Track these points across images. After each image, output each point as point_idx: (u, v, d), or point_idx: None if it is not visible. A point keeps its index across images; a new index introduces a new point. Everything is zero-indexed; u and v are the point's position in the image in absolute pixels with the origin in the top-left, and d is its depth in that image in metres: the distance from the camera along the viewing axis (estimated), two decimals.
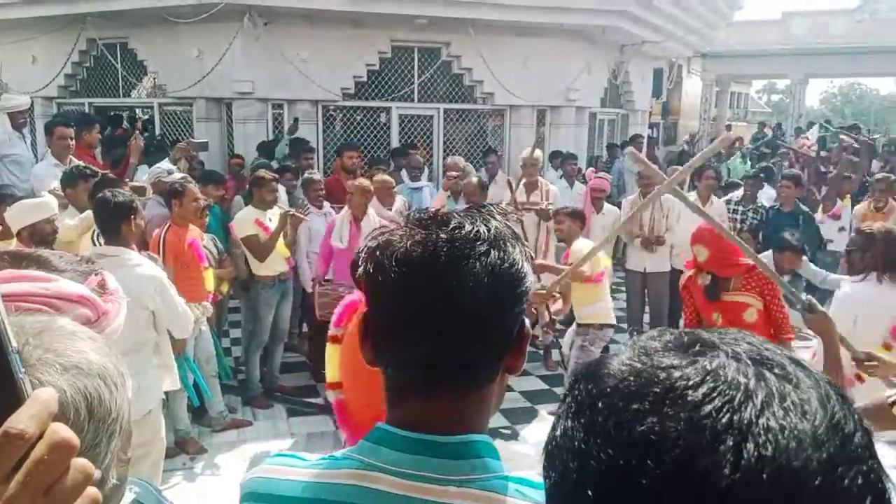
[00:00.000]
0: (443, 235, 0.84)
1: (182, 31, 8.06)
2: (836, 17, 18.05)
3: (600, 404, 0.52)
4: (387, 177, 6.20)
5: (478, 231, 0.85)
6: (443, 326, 0.83)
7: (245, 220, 5.22)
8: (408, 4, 7.78)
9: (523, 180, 6.36)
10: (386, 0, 7.66)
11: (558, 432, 0.55)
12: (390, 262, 0.85)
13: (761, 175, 7.39)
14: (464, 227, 0.86)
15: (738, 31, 17.24)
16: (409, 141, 8.95)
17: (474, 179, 6.18)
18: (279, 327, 5.49)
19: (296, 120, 8.27)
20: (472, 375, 0.86)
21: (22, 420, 0.50)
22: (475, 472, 0.83)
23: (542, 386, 5.84)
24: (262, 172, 5.46)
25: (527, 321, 0.92)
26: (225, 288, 5.25)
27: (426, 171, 8.30)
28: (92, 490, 0.55)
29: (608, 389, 0.52)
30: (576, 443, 0.52)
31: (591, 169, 8.70)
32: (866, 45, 17.19)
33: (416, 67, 9.13)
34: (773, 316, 3.76)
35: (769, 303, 3.76)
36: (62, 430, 0.52)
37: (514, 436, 5.03)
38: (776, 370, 0.50)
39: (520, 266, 0.87)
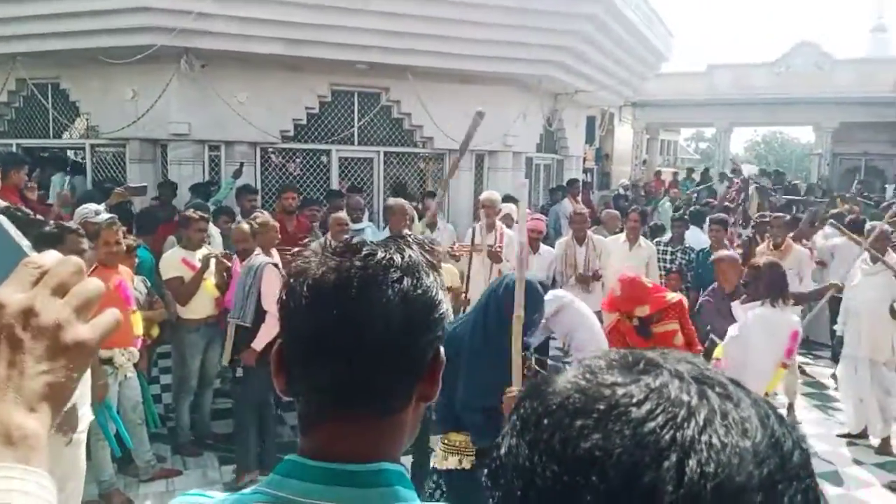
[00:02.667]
0: (356, 263, 0.85)
1: (116, 71, 7.94)
2: (758, 70, 19.05)
3: (546, 421, 0.52)
4: (342, 214, 6.24)
5: (391, 259, 0.86)
6: (352, 353, 0.83)
7: (171, 261, 5.12)
8: (346, 51, 7.87)
9: (482, 222, 6.45)
10: (324, 46, 7.72)
11: (503, 451, 0.54)
12: (302, 288, 0.85)
13: (686, 217, 7.69)
14: (377, 254, 0.87)
15: (665, 81, 18.03)
16: (353, 183, 8.99)
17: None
18: (208, 372, 5.34)
19: (241, 164, 8.22)
20: (383, 403, 0.86)
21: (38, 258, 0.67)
22: (386, 501, 0.82)
23: None
24: (189, 212, 5.41)
25: (441, 349, 0.92)
26: (155, 332, 5.09)
27: (366, 212, 8.35)
28: (113, 309, 0.68)
29: (553, 407, 0.52)
30: (520, 460, 0.51)
31: (526, 211, 8.88)
32: (785, 97, 18.20)
33: (356, 111, 9.21)
34: (688, 334, 4.25)
35: (684, 324, 4.25)
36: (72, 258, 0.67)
37: None
38: (717, 389, 0.51)
39: (433, 294, 0.88)
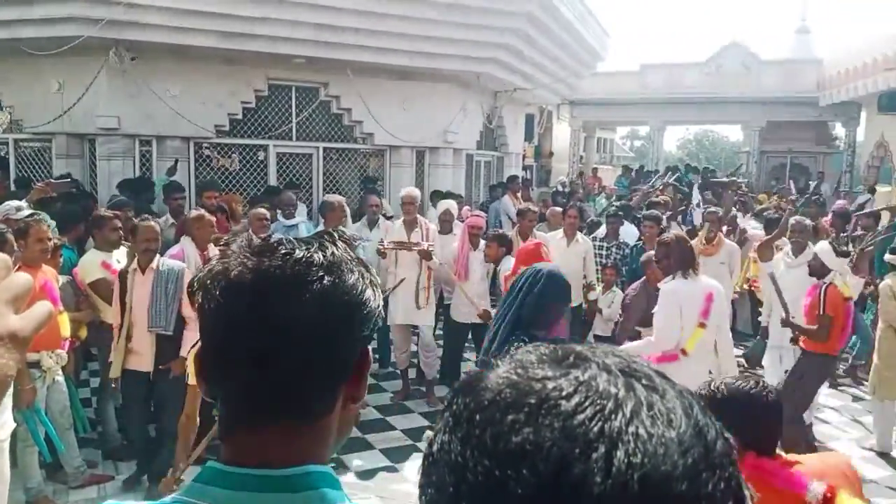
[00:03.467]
0: (275, 262, 0.83)
1: (42, 63, 7.61)
2: (689, 70, 19.64)
3: (478, 417, 0.52)
4: (262, 209, 6.14)
5: (312, 257, 0.84)
6: (269, 359, 0.81)
7: (90, 264, 4.89)
8: (283, 44, 7.76)
9: (402, 218, 6.47)
10: (261, 39, 7.59)
11: (435, 447, 0.55)
12: (218, 289, 0.83)
13: (620, 213, 7.90)
14: (295, 253, 0.84)
15: (601, 80, 18.41)
16: (290, 179, 8.87)
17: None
18: None
19: (176, 161, 8.00)
20: (304, 409, 0.83)
21: None
22: None
23: (424, 422, 5.85)
24: (102, 211, 5.17)
25: (369, 348, 0.89)
26: (83, 333, 4.91)
27: (304, 208, 8.25)
28: (45, 302, 0.68)
29: (485, 402, 0.52)
30: (453, 456, 0.52)
31: (466, 207, 8.94)
32: (715, 96, 18.83)
33: (293, 106, 9.09)
34: None
35: None
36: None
37: (395, 473, 4.99)
38: (644, 381, 0.52)
39: (358, 292, 0.86)
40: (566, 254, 6.58)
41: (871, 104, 15.59)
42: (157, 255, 4.61)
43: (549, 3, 9.20)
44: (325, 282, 0.83)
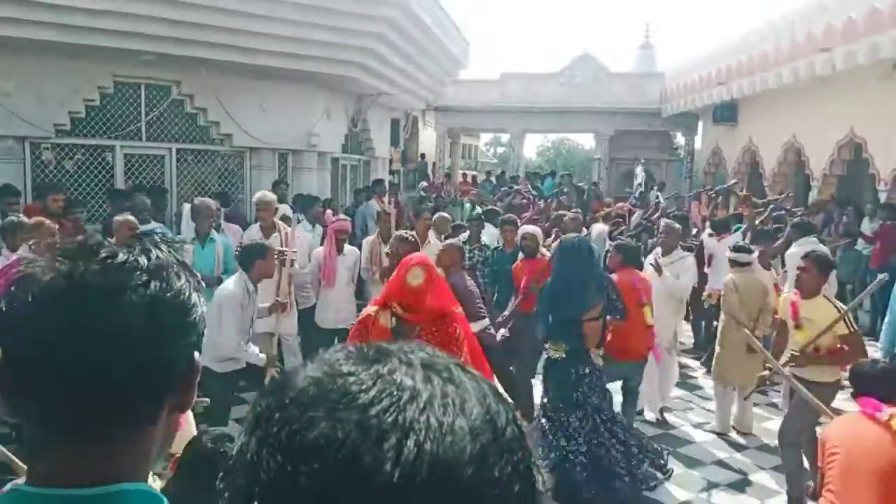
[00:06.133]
0: (93, 266, 0.77)
1: None
2: (545, 80, 20.51)
3: (277, 415, 0.52)
4: (129, 216, 5.74)
5: (135, 261, 0.80)
6: (88, 368, 0.74)
7: None
8: (129, 39, 7.28)
9: (259, 224, 6.29)
10: (104, 33, 7.07)
11: (235, 450, 0.54)
12: (26, 296, 0.75)
13: (482, 217, 8.14)
14: (117, 256, 0.79)
15: (464, 88, 18.85)
16: (137, 182, 8.36)
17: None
18: None
19: None
20: (124, 419, 0.78)
21: None
22: None
23: None
24: None
25: (196, 355, 0.85)
26: None
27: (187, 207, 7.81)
28: None
29: (287, 401, 0.52)
30: (249, 456, 0.51)
31: (329, 211, 8.84)
32: (568, 106, 19.81)
33: (143, 104, 8.59)
34: None
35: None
36: None
37: None
38: (443, 374, 0.54)
39: (186, 297, 0.82)
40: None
41: (706, 115, 17.03)
42: None
43: (410, 10, 9.30)
44: (151, 286, 0.78)
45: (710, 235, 8.07)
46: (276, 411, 0.52)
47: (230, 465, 0.54)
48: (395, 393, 0.50)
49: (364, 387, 0.51)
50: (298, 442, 0.49)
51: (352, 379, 0.52)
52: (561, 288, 4.73)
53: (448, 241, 6.16)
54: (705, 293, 7.56)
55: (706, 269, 7.74)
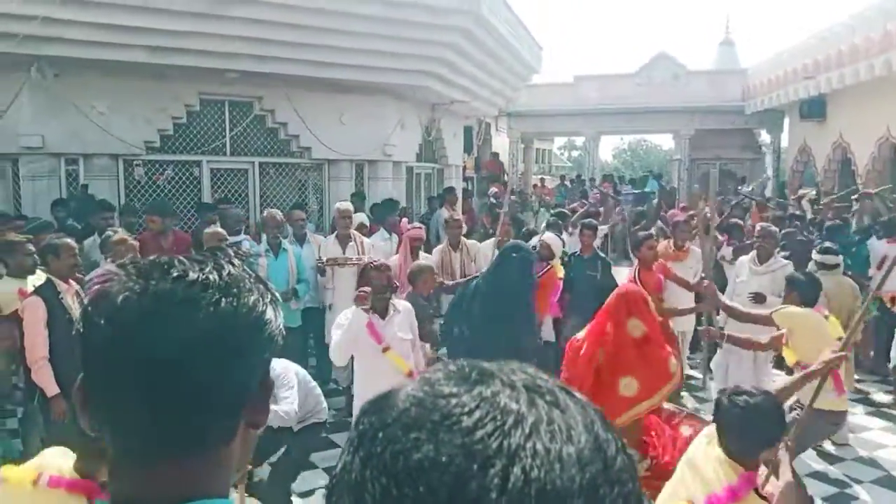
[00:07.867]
0: (165, 285, 0.77)
1: None
2: (621, 81, 20.09)
3: (380, 435, 0.51)
4: (218, 227, 5.97)
5: (207, 279, 0.79)
6: (163, 386, 0.75)
7: (6, 294, 4.54)
8: (213, 58, 7.60)
9: (336, 233, 6.42)
10: (189, 53, 7.43)
11: (338, 468, 0.54)
12: (102, 317, 0.76)
13: (560, 222, 8.01)
14: (189, 274, 0.79)
15: (537, 92, 18.69)
16: (226, 195, 8.69)
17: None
18: None
19: (85, 186, 7.77)
20: (200, 437, 0.78)
21: None
22: None
23: None
24: (11, 235, 4.84)
25: (270, 371, 0.85)
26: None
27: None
28: None
29: (389, 420, 0.52)
30: (353, 475, 0.51)
31: (404, 219, 8.93)
32: (646, 106, 19.34)
33: (227, 120, 8.93)
34: None
35: None
36: None
37: None
38: (547, 397, 0.52)
39: (259, 313, 0.81)
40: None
41: (792, 111, 16.30)
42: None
43: (483, 18, 9.31)
44: (222, 304, 0.78)
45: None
46: (380, 430, 0.52)
47: (333, 483, 0.54)
48: (500, 417, 0.50)
49: (467, 409, 0.50)
50: (402, 463, 0.49)
51: (454, 401, 0.51)
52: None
53: (417, 263, 5.88)
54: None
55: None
